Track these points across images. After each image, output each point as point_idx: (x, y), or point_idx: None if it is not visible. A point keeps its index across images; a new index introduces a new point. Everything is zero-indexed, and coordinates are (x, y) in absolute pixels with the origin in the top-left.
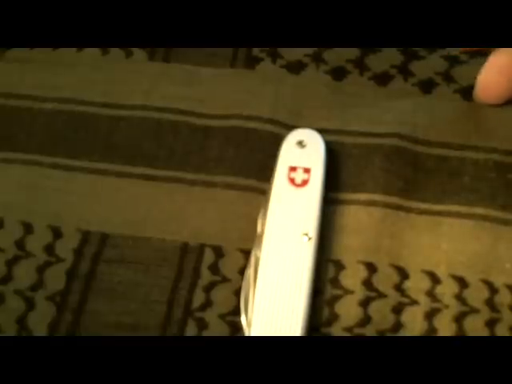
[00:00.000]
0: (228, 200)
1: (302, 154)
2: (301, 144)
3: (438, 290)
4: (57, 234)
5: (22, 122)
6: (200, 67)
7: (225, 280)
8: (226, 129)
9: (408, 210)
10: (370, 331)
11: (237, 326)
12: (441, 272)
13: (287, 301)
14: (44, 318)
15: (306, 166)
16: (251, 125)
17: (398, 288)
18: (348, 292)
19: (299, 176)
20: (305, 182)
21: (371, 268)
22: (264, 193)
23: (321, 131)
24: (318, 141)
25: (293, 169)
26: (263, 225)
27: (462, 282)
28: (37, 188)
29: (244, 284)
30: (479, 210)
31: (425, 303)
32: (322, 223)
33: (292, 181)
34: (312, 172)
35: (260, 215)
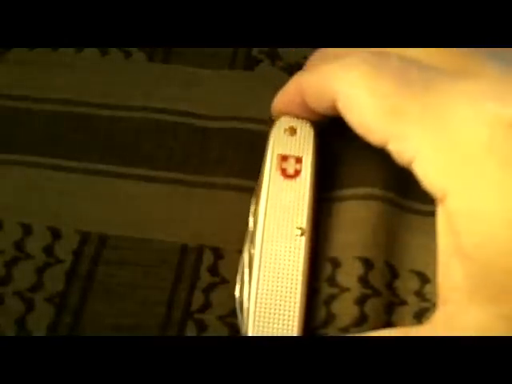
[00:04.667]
0: (228, 201)
1: (293, 141)
2: (291, 131)
3: (427, 289)
4: (56, 235)
5: (22, 123)
6: (199, 68)
7: (224, 282)
8: (226, 130)
9: (403, 207)
10: (366, 331)
11: (236, 328)
12: (430, 272)
13: (283, 298)
14: (43, 319)
15: (298, 154)
16: (251, 126)
17: (390, 287)
18: (344, 290)
19: (291, 166)
20: (297, 173)
21: (367, 264)
22: None
23: (320, 132)
24: (308, 127)
25: (284, 158)
26: (256, 220)
27: None
28: (36, 189)
29: (238, 281)
30: None
31: (414, 303)
32: (317, 220)
33: (283, 171)
34: (303, 161)
35: (251, 209)
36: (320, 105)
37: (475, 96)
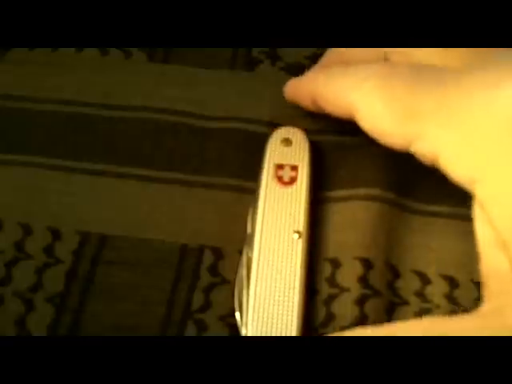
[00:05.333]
0: (227, 202)
1: (288, 151)
2: (286, 142)
3: (429, 290)
4: (56, 235)
5: (22, 123)
6: (199, 68)
7: (224, 282)
8: (226, 131)
9: (403, 208)
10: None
11: (236, 328)
12: (431, 272)
13: (281, 299)
14: (43, 319)
15: (293, 163)
16: (251, 127)
17: (391, 287)
18: (344, 290)
19: (286, 174)
20: (293, 180)
21: (367, 264)
22: None
23: (320, 132)
24: (302, 138)
25: (280, 167)
26: (253, 225)
27: (452, 282)
28: (36, 189)
29: (237, 284)
30: (467, 211)
31: (415, 303)
32: (315, 221)
33: (279, 179)
34: (299, 169)
35: (249, 215)
36: (336, 112)
37: (488, 82)
